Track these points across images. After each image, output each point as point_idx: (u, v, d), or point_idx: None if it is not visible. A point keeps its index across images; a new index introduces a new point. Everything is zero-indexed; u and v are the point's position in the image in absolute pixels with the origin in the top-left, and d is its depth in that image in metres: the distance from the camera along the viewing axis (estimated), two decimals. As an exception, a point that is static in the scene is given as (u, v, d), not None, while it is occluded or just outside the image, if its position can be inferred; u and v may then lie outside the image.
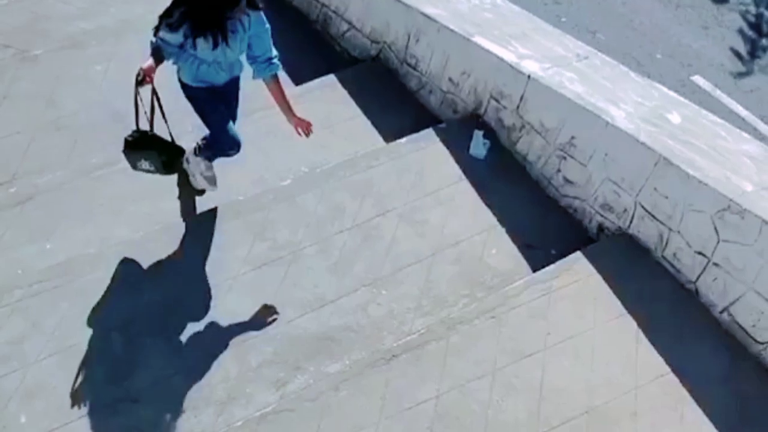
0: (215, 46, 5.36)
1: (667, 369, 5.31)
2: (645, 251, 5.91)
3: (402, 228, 6.05)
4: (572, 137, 6.26)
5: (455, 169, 6.41)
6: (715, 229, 5.56)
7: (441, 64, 7.01)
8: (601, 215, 6.15)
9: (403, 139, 6.59)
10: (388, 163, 6.41)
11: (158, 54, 5.38)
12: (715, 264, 5.58)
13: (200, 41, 5.36)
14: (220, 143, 5.76)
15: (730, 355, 5.40)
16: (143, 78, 5.29)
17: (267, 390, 5.21)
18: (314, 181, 6.25)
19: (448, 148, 6.53)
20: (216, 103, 5.68)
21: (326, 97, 7.01)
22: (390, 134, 6.72)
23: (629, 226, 6.00)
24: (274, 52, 5.64)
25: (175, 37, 5.36)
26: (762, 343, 5.37)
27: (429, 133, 6.63)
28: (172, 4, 5.35)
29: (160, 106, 5.53)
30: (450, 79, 6.93)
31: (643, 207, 5.91)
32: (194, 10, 5.27)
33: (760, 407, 5.21)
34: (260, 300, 5.58)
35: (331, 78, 7.20)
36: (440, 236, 5.96)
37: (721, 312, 5.57)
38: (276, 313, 5.52)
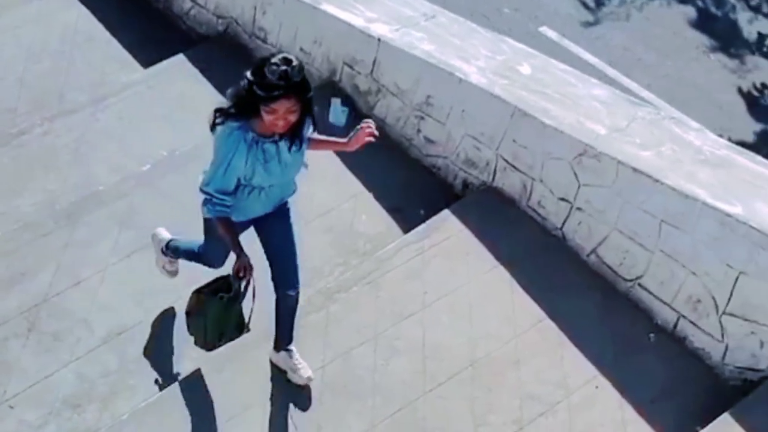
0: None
1: (544, 315, 5.51)
2: (511, 202, 6.10)
3: (269, 203, 6.09)
4: (428, 96, 6.39)
5: (316, 139, 6.47)
6: (575, 174, 5.78)
7: (291, 34, 7.05)
8: (465, 171, 6.31)
9: (261, 113, 6.61)
10: (248, 139, 6.42)
11: (228, 223, 4.67)
12: (579, 208, 5.80)
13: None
14: (206, 261, 5.19)
15: (602, 295, 5.64)
16: (246, 274, 4.65)
17: (150, 380, 5.21)
18: (175, 165, 6.23)
19: (306, 118, 6.58)
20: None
21: (177, 78, 6.98)
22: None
23: (493, 180, 6.18)
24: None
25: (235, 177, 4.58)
26: (630, 281, 5.63)
27: (285, 105, 6.66)
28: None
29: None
30: (302, 49, 6.97)
31: (504, 159, 6.09)
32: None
33: (632, 342, 5.47)
34: (133, 289, 5.55)
35: (180, 58, 7.17)
36: (309, 207, 6.01)
37: (589, 254, 5.81)
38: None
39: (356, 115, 6.63)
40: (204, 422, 4.97)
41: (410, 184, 6.38)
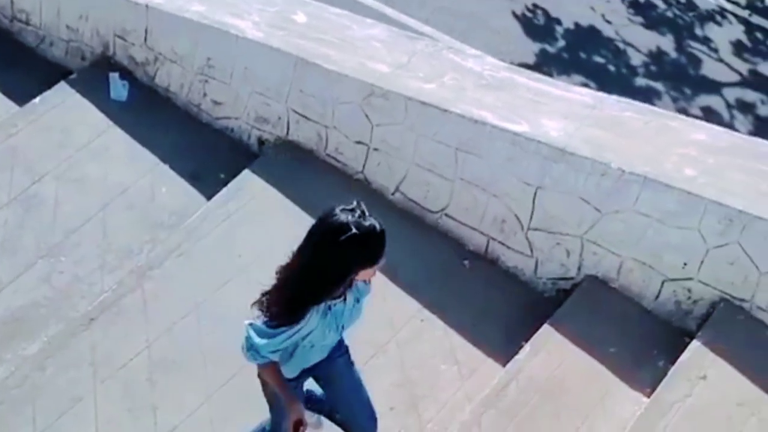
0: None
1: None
2: (309, 153, 6.18)
3: (62, 189, 5.98)
4: (208, 59, 6.37)
5: (101, 118, 6.38)
6: (366, 116, 5.91)
7: (54, 12, 6.87)
8: (258, 129, 6.34)
9: (37, 99, 6.45)
10: (29, 127, 6.27)
11: (276, 368, 4.14)
12: (376, 149, 5.94)
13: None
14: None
15: (412, 230, 5.80)
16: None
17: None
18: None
19: (86, 97, 6.47)
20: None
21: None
22: (21, 97, 6.54)
23: (288, 133, 6.24)
24: None
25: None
26: (436, 212, 5.83)
27: (62, 86, 6.54)
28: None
29: None
30: (68, 27, 6.81)
31: (295, 111, 6.15)
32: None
33: (449, 271, 5.68)
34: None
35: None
36: (105, 188, 5.94)
37: (394, 193, 5.96)
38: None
39: (138, 87, 6.55)
40: (35, 422, 4.88)
41: (206, 149, 6.36)
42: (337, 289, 3.89)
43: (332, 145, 6.10)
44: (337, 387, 4.50)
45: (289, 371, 4.21)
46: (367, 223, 3.72)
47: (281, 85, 6.16)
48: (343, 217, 3.71)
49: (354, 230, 3.67)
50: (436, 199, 5.82)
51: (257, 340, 3.96)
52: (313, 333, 3.98)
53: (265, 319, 3.92)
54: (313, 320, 3.92)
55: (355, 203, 3.77)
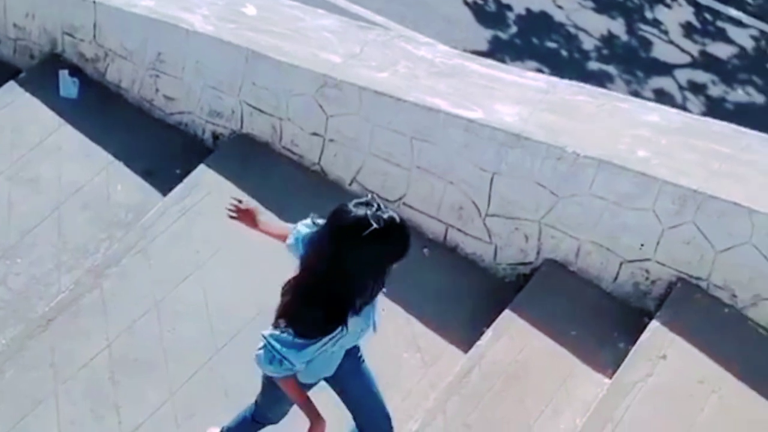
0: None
1: (318, 250, 5.65)
2: (264, 146, 6.18)
3: (15, 190, 5.95)
4: (159, 54, 6.34)
5: (52, 116, 6.34)
6: (320, 106, 5.91)
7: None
8: (212, 123, 6.33)
9: (-16, 99, 6.40)
10: (-24, 129, 6.22)
11: (297, 381, 3.94)
12: (331, 140, 5.95)
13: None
14: (266, 420, 4.50)
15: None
16: None
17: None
18: None
19: (36, 96, 6.43)
20: None
21: None
22: (-34, 99, 6.48)
23: (242, 126, 6.23)
24: None
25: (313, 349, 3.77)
26: (395, 201, 5.84)
27: (11, 86, 6.50)
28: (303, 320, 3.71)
29: None
30: (15, 25, 6.77)
31: (248, 104, 6.14)
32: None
33: (409, 260, 5.32)
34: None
35: None
36: (59, 187, 5.91)
37: (351, 183, 5.98)
38: None
39: (89, 84, 6.51)
40: (-3, 427, 4.88)
41: (160, 145, 6.34)
42: (374, 289, 3.73)
43: (287, 138, 6.10)
44: (349, 391, 4.29)
45: (308, 377, 4.00)
46: (386, 215, 3.53)
47: (233, 78, 6.15)
48: (360, 211, 3.51)
49: (375, 224, 3.48)
50: (393, 188, 5.85)
51: (286, 351, 3.72)
52: (346, 336, 3.77)
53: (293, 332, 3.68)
54: (351, 324, 3.73)
55: (369, 196, 3.60)
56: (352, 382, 4.26)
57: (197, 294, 5.43)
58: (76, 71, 6.63)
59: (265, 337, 3.79)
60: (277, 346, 3.73)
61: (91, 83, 6.57)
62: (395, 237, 3.58)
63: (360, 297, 3.70)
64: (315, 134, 5.99)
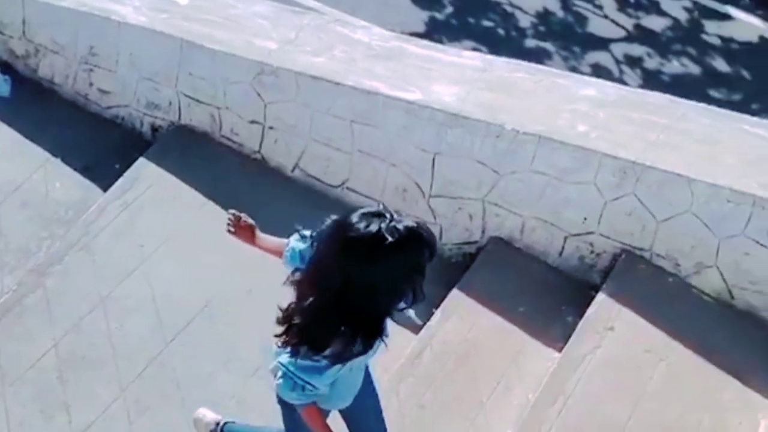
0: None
1: (266, 237, 5.67)
2: (204, 137, 6.15)
3: (-49, 192, 5.87)
4: (91, 47, 6.29)
5: (-16, 115, 6.28)
6: (258, 94, 5.92)
7: None
8: (150, 115, 6.29)
9: None
10: None
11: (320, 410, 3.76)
12: (271, 127, 5.96)
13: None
14: None
15: (314, 206, 5.81)
16: None
17: None
18: None
19: (-32, 96, 6.36)
20: None
21: None
22: None
23: (180, 118, 6.20)
24: None
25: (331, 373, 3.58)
26: (338, 186, 5.88)
27: (-61, 88, 6.40)
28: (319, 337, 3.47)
29: None
30: (-58, 25, 6.67)
31: (185, 95, 6.12)
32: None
33: None
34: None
35: None
36: (-4, 188, 5.87)
37: (293, 170, 5.99)
38: None
39: (21, 81, 6.44)
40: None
41: (98, 140, 6.29)
42: (415, 293, 3.50)
43: (227, 127, 6.09)
44: (357, 418, 4.12)
45: (332, 403, 3.79)
46: (401, 226, 3.28)
47: (169, 69, 6.12)
48: (373, 226, 3.26)
49: (390, 238, 3.24)
50: (336, 173, 5.87)
51: (308, 376, 3.54)
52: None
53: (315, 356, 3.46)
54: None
55: (379, 206, 3.36)
56: (363, 402, 4.04)
57: (143, 288, 5.41)
58: (6, 69, 6.55)
59: (283, 365, 3.59)
60: (298, 372, 3.55)
61: (24, 80, 6.51)
62: (414, 246, 3.34)
63: (393, 307, 3.51)
64: (254, 122, 5.99)
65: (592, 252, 5.46)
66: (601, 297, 5.22)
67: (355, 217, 3.32)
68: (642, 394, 4.88)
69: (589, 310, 5.20)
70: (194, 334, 5.27)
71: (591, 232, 5.42)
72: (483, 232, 5.64)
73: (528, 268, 5.53)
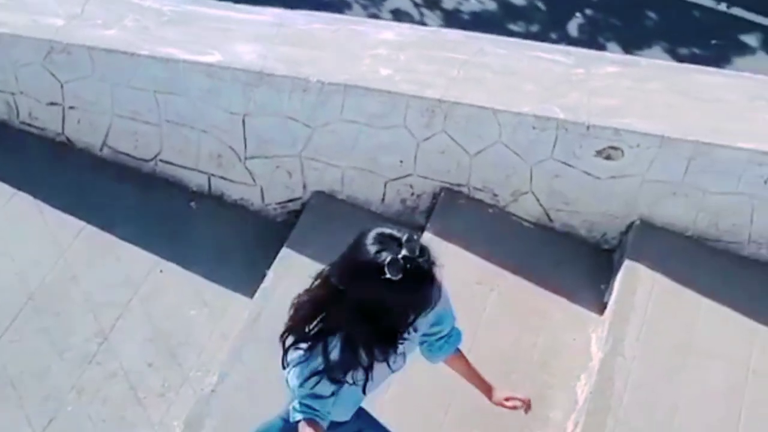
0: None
1: (82, 224, 5.60)
2: (2, 126, 5.99)
3: None
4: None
5: None
6: (52, 74, 5.78)
7: None
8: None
9: None
10: None
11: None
12: (71, 107, 5.85)
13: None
14: None
15: (132, 184, 5.81)
16: None
17: None
18: None
19: None
20: None
21: None
22: None
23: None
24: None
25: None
26: (151, 160, 5.84)
27: None
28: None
29: None
30: None
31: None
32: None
33: (179, 217, 5.76)
34: None
35: None
36: None
37: (102, 149, 5.91)
38: None
39: None
40: None
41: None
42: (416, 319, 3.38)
43: (24, 112, 5.95)
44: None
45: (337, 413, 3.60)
46: (409, 265, 3.16)
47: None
48: (383, 256, 3.15)
49: (388, 274, 3.12)
50: (146, 146, 5.83)
51: (324, 404, 3.43)
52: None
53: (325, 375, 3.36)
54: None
55: (404, 236, 3.22)
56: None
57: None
58: None
59: (302, 405, 3.44)
60: (315, 405, 3.42)
61: None
62: (414, 287, 3.23)
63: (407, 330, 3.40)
64: (53, 104, 5.86)
65: (412, 194, 5.63)
66: (427, 236, 5.35)
67: (369, 237, 3.24)
68: (478, 324, 5.06)
69: (418, 251, 5.36)
70: (21, 330, 5.18)
71: (409, 174, 5.58)
72: (304, 187, 5.73)
73: (354, 217, 5.62)
